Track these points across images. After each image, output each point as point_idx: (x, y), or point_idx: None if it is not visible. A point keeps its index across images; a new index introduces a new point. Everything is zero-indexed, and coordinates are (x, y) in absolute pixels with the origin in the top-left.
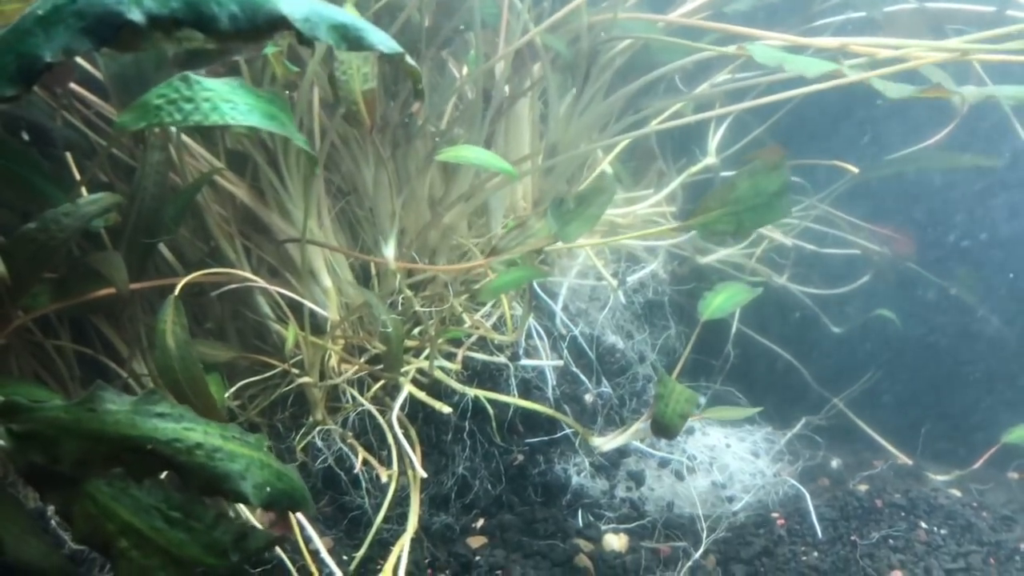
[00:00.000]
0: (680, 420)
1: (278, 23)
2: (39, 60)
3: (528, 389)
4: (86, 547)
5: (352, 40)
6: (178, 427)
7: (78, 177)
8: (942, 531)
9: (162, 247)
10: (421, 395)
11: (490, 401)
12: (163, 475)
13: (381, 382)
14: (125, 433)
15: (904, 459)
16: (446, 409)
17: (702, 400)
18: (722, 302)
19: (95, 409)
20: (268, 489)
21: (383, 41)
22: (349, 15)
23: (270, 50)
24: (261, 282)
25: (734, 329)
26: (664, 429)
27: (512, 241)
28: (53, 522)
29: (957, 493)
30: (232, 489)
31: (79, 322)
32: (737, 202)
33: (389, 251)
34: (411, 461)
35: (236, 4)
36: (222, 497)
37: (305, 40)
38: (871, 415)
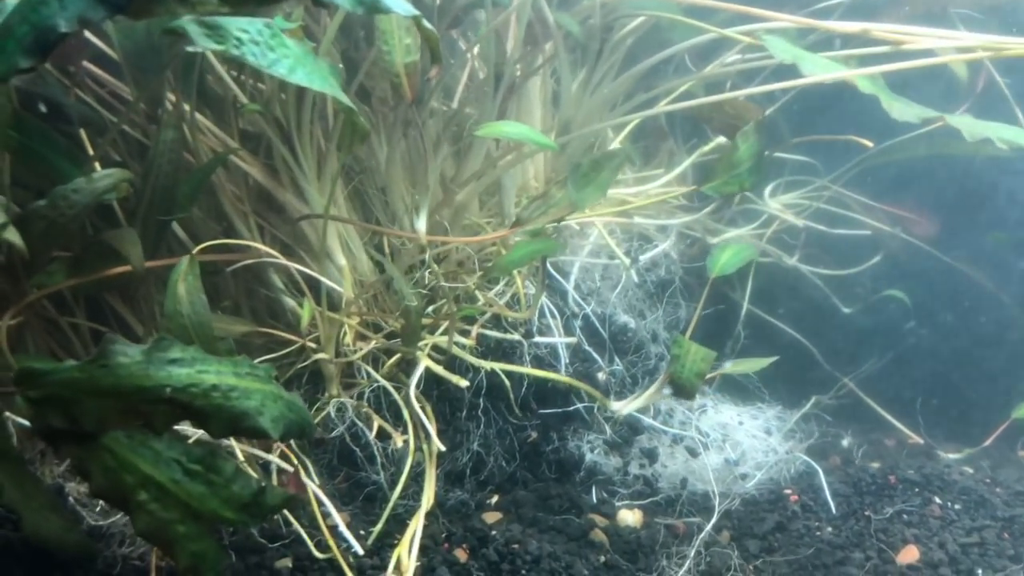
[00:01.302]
0: (697, 379)
1: None
2: (54, 30)
3: (541, 367)
4: (104, 502)
5: (368, 3)
6: (192, 371)
7: (91, 153)
8: (956, 506)
9: (176, 226)
10: (438, 369)
11: (505, 377)
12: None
13: (396, 357)
14: (140, 384)
15: (915, 438)
16: (463, 383)
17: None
18: (729, 258)
19: (108, 364)
20: (284, 421)
21: (399, 4)
22: None
23: (284, 24)
24: (279, 257)
25: (744, 309)
26: (682, 389)
27: (535, 211)
28: (71, 499)
29: (969, 470)
30: (252, 426)
31: (94, 300)
32: (740, 164)
33: (421, 224)
34: (427, 435)
35: None
36: (244, 435)
37: (321, 2)
38: (881, 394)
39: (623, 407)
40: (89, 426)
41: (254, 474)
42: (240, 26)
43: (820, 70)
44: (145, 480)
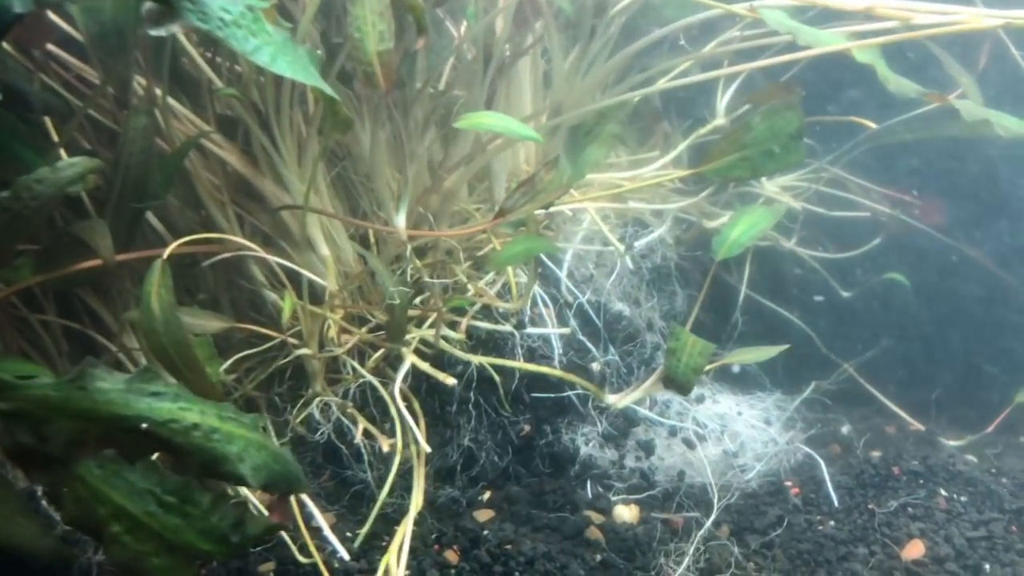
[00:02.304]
0: (694, 374)
1: None
2: (8, 11)
3: (534, 358)
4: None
5: None
6: (174, 407)
7: (58, 140)
8: (962, 498)
9: (151, 216)
10: (425, 366)
11: (496, 370)
12: (156, 458)
13: (382, 352)
14: (118, 412)
15: (916, 424)
16: (451, 381)
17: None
18: (740, 234)
19: (86, 387)
20: (266, 471)
21: None
22: None
23: (261, 3)
24: (258, 250)
25: (742, 295)
26: (677, 385)
27: (521, 199)
28: (44, 502)
29: (973, 459)
30: (230, 471)
31: (66, 296)
32: (753, 145)
33: (400, 220)
34: (414, 434)
35: None
36: (220, 479)
37: None
38: (881, 380)
39: (618, 400)
40: (58, 448)
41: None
42: (222, 5)
43: (819, 42)
44: (118, 511)
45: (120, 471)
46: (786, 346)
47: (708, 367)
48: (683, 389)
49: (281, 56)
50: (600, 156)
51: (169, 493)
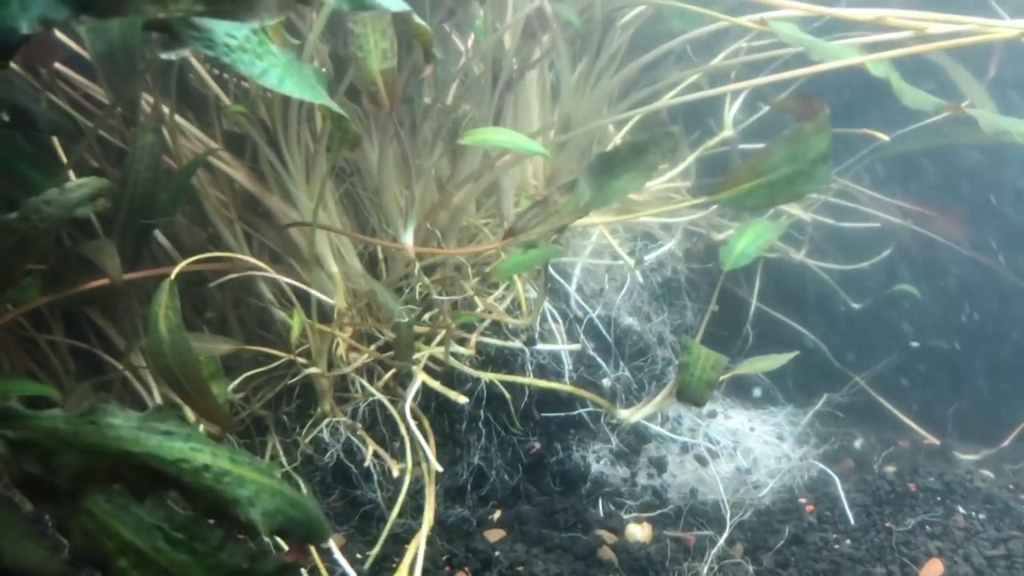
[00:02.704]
0: (707, 388)
1: None
2: (14, 32)
3: (544, 375)
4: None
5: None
6: (185, 447)
7: (65, 160)
8: (980, 516)
9: (158, 234)
10: (435, 384)
11: (506, 387)
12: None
13: (392, 371)
14: (128, 449)
15: (930, 438)
16: (462, 399)
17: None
18: (746, 246)
19: (96, 422)
20: (279, 517)
21: (390, 1)
22: None
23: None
24: (266, 268)
25: (753, 308)
26: (691, 398)
27: (532, 220)
28: (51, 525)
29: (990, 474)
30: (239, 515)
31: (73, 315)
32: (772, 171)
33: (408, 237)
34: (425, 454)
35: None
36: (228, 522)
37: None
38: (893, 393)
39: (631, 415)
40: (64, 480)
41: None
42: (227, 31)
43: (831, 57)
44: (125, 546)
45: (128, 506)
46: (796, 352)
47: (723, 378)
48: (697, 403)
49: (288, 77)
50: (634, 186)
51: (178, 529)
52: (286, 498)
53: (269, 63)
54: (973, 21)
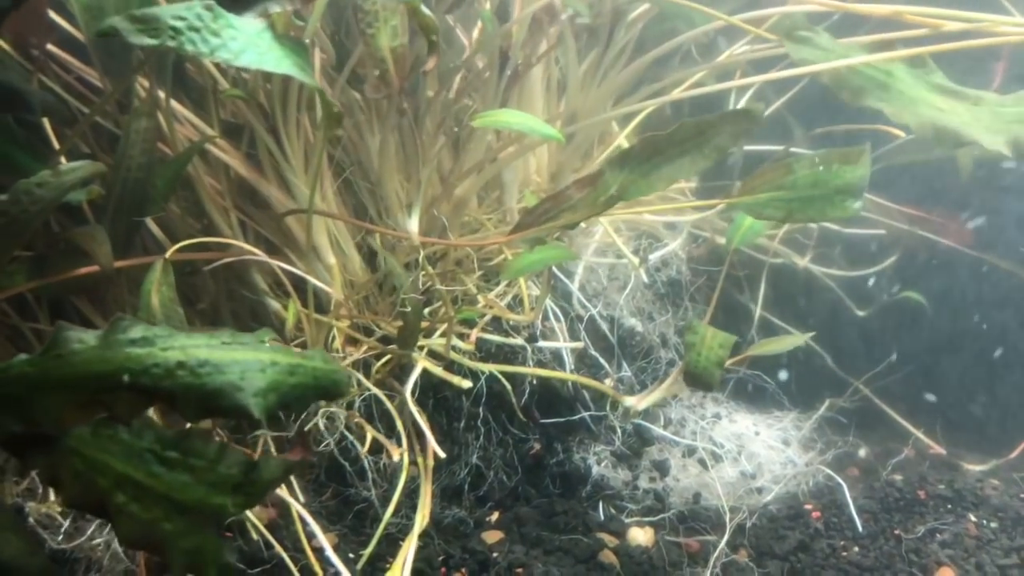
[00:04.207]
0: (716, 368)
1: None
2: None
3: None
4: (81, 511)
5: None
6: (154, 350)
7: (57, 146)
8: (992, 524)
9: (150, 223)
10: (437, 370)
11: (507, 384)
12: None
13: (387, 360)
14: (96, 371)
15: (936, 448)
16: (465, 383)
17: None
18: (753, 222)
19: (61, 354)
20: (274, 394)
21: None
22: None
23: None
24: (261, 255)
25: (757, 314)
26: (699, 380)
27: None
28: (32, 520)
29: (1000, 484)
30: (228, 405)
31: (59, 303)
32: (791, 188)
33: (412, 224)
34: (422, 447)
35: None
36: (222, 417)
37: None
38: (898, 401)
39: (638, 402)
40: (48, 426)
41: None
42: (175, 13)
43: (844, 86)
44: (120, 479)
45: (116, 435)
46: (811, 333)
47: (731, 361)
48: (706, 384)
49: (250, 49)
50: (689, 173)
51: (170, 448)
52: (281, 367)
53: (227, 36)
54: (990, 19)
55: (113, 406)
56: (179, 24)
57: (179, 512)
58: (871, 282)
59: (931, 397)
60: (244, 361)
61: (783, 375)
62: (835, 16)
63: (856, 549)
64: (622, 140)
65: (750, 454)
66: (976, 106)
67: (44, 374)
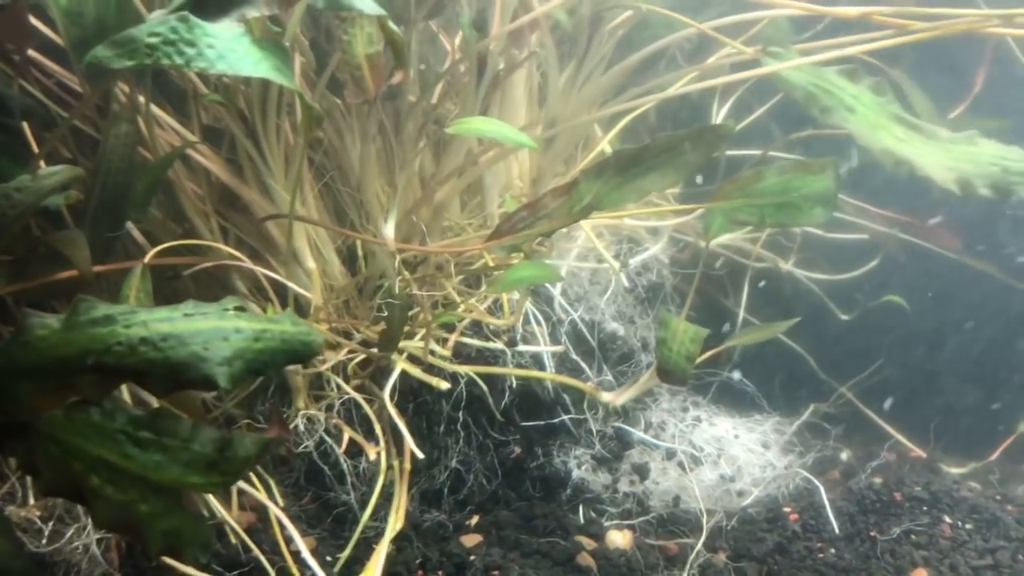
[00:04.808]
0: (688, 363)
1: None
2: None
3: (526, 377)
4: (59, 497)
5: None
6: (116, 328)
7: (36, 150)
8: (967, 526)
9: (131, 227)
10: (416, 371)
11: (486, 388)
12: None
13: (366, 364)
14: (61, 355)
15: (917, 451)
16: (444, 384)
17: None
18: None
19: (27, 340)
20: (242, 360)
21: (365, 3)
22: None
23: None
24: (244, 259)
25: (741, 318)
26: (671, 375)
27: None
28: (20, 468)
29: (977, 486)
30: (195, 376)
31: (39, 307)
32: (761, 195)
33: (388, 230)
34: (399, 451)
35: None
36: (192, 388)
37: None
38: (880, 405)
39: (615, 398)
40: (22, 413)
41: (216, 515)
42: (150, 30)
43: (828, 112)
44: (94, 462)
45: (88, 418)
46: (796, 319)
47: (708, 354)
48: (678, 379)
49: (228, 55)
50: (661, 187)
51: (143, 428)
52: (246, 334)
53: (203, 44)
54: (957, 12)
55: (82, 388)
56: (154, 40)
57: (155, 492)
58: (855, 286)
59: (915, 401)
60: (207, 331)
61: (766, 378)
62: (824, 21)
63: (832, 551)
64: (605, 144)
65: (730, 457)
66: (930, 140)
67: (11, 362)
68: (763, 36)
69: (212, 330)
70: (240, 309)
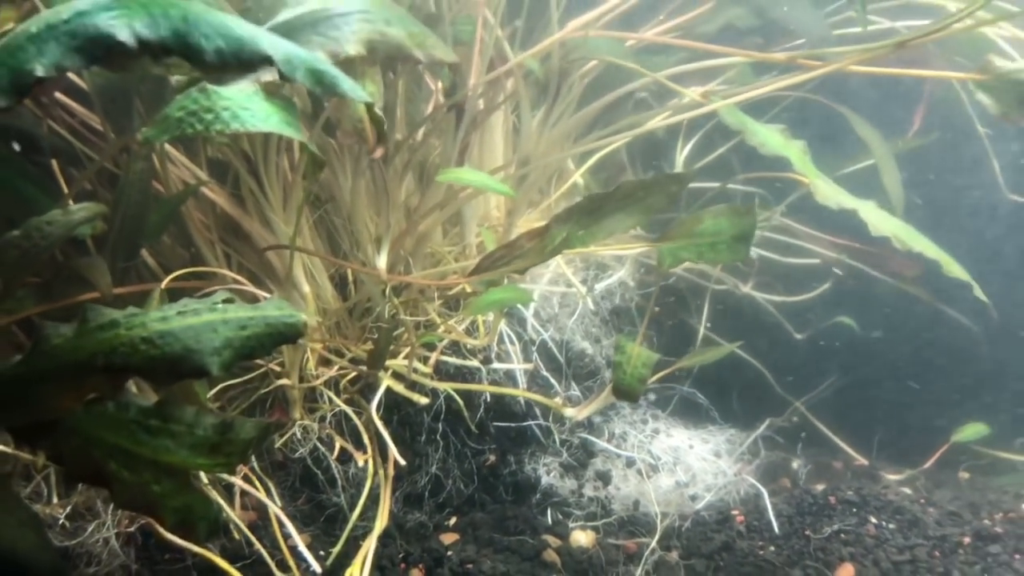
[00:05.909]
0: (640, 384)
1: (261, 61)
2: (30, 74)
3: (500, 392)
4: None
5: (326, 85)
6: (119, 331)
7: (63, 182)
8: (890, 525)
9: (144, 252)
10: (400, 387)
11: (463, 403)
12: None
13: (355, 380)
14: (75, 359)
15: (860, 460)
16: (424, 399)
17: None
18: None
19: (45, 350)
20: (231, 348)
21: (354, 89)
22: (324, 62)
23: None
24: (246, 283)
25: (701, 335)
26: (625, 394)
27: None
28: (48, 458)
29: (907, 491)
30: (190, 367)
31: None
32: (700, 236)
33: (381, 262)
34: (384, 458)
35: (222, 39)
36: (190, 378)
37: (285, 78)
38: (833, 418)
39: (577, 413)
40: (47, 412)
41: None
42: (179, 106)
43: (764, 141)
44: (111, 449)
45: (105, 411)
46: (739, 343)
47: (662, 373)
48: (630, 397)
49: (242, 114)
50: (626, 227)
51: (152, 417)
52: (233, 323)
53: (219, 108)
54: (877, 45)
55: (96, 387)
56: (181, 114)
57: (166, 474)
58: (808, 307)
59: (862, 414)
60: (197, 325)
61: (724, 393)
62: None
63: (772, 548)
64: (577, 177)
65: (685, 466)
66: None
67: (34, 371)
68: (730, 79)
69: (202, 324)
70: (228, 301)
